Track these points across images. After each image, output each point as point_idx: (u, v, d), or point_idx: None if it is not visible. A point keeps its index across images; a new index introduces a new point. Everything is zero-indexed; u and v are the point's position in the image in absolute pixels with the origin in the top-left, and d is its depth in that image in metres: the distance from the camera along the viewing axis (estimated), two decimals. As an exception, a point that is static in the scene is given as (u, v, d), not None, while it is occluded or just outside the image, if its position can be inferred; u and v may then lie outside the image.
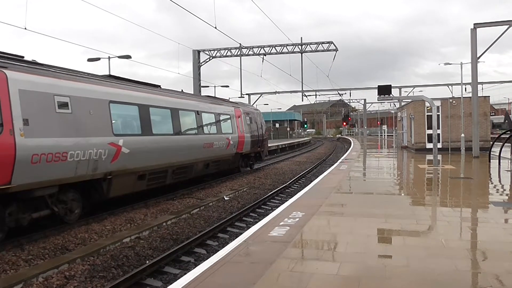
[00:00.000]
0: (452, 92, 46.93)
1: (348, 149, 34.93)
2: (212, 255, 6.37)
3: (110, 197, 11.20)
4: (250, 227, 8.24)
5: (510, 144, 22.26)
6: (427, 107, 26.16)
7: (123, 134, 11.41)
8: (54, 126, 9.17)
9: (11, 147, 8.04)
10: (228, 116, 19.46)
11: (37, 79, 9.04)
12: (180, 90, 17.27)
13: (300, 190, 12.43)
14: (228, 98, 23.27)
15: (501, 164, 17.76)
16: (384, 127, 58.12)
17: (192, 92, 31.12)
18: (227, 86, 44.05)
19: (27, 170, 8.38)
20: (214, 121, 17.87)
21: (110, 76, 12.58)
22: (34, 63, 9.73)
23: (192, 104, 16.16)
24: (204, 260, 6.15)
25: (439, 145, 24.47)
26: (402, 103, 37.14)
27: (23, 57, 9.56)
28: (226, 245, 6.78)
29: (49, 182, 9.08)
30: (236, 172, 20.92)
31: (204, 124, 16.69)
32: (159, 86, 15.01)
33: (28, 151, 8.37)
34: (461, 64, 28.17)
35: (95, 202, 11.06)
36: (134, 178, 11.99)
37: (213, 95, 24.51)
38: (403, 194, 11.46)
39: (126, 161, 11.36)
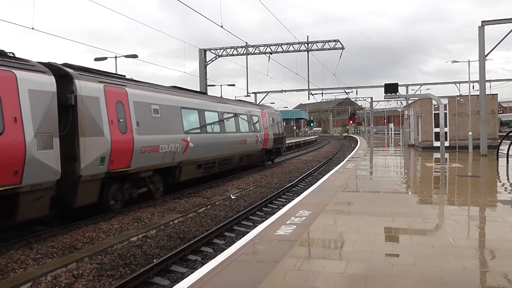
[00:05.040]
0: (459, 90, 46.60)
1: (355, 147, 34.85)
2: (219, 253, 6.39)
3: (180, 181, 14.36)
4: (257, 226, 8.25)
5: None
6: (434, 105, 26.01)
7: (189, 132, 14.75)
8: (151, 126, 12.50)
9: (131, 141, 11.52)
10: (257, 117, 22.76)
11: (141, 93, 12.41)
12: (219, 96, 19.93)
13: (307, 189, 12.42)
14: (234, 97, 24.39)
15: (509, 162, 17.64)
16: (391, 125, 57.81)
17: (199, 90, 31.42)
18: (233, 85, 44.17)
19: (138, 157, 11.76)
20: (247, 121, 21.12)
21: (174, 87, 15.75)
22: (133, 80, 12.73)
23: (231, 107, 19.61)
24: (211, 259, 6.17)
25: (447, 144, 24.32)
26: (409, 101, 37.01)
27: (124, 76, 12.63)
28: (233, 244, 6.80)
29: (149, 167, 12.44)
30: (261, 165, 23.93)
31: (240, 124, 20.05)
32: (206, 93, 18.02)
33: (140, 144, 11.79)
34: (469, 61, 28.02)
35: (170, 184, 14.05)
36: (195, 167, 15.33)
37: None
38: (410, 193, 11.42)
39: (191, 153, 14.70)
